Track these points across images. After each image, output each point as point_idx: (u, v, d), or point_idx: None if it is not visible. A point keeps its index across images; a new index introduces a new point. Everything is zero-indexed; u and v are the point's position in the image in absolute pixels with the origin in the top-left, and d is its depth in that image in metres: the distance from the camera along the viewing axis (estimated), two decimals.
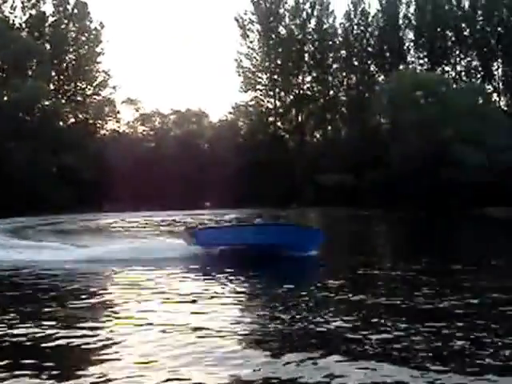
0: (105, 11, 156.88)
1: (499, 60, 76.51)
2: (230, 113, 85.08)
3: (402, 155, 56.88)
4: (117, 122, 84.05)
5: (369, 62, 79.82)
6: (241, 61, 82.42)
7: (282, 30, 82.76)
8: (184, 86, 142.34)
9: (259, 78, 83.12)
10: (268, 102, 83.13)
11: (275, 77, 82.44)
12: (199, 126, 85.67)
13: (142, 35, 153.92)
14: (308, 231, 18.74)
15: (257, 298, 11.43)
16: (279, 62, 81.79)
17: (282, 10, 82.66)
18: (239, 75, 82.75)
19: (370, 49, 79.85)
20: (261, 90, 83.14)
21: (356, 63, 80.00)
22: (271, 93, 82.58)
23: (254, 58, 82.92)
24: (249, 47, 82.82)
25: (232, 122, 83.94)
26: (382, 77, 76.19)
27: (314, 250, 17.00)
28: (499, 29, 75.22)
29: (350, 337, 8.09)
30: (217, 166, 71.97)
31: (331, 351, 7.31)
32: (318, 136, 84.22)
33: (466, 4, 77.21)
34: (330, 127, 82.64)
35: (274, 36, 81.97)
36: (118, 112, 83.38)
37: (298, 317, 9.32)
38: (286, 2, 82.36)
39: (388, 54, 78.00)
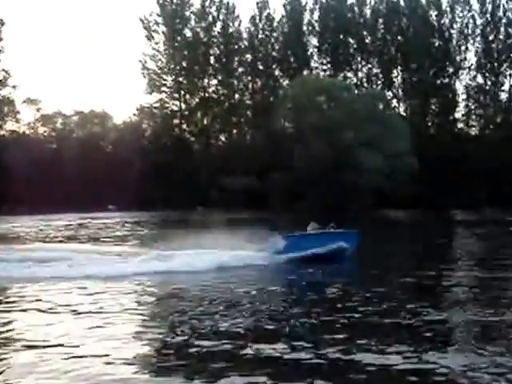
0: (4, 8, 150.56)
1: (399, 68, 79.19)
2: (135, 115, 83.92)
3: (305, 159, 57.74)
4: (16, 122, 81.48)
5: (273, 66, 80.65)
6: (145, 62, 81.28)
7: (188, 33, 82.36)
8: (87, 86, 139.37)
9: (164, 80, 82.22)
10: (173, 104, 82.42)
11: (180, 79, 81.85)
12: (103, 127, 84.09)
13: (42, 33, 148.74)
14: (357, 234, 19.72)
15: None
16: (185, 64, 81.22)
17: (187, 13, 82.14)
18: (144, 77, 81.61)
19: (274, 53, 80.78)
20: (166, 92, 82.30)
21: (261, 67, 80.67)
22: (176, 95, 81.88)
23: (159, 59, 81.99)
24: (154, 49, 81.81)
25: (136, 123, 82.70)
26: (287, 81, 77.18)
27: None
28: (399, 37, 77.96)
29: None
30: (120, 168, 70.59)
31: None
32: (223, 139, 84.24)
33: (368, 12, 79.58)
34: (235, 130, 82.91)
35: (179, 38, 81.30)
36: (18, 112, 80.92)
37: None
38: (192, 5, 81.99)
39: (292, 59, 79.05)
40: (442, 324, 9.59)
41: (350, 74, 79.35)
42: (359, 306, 11.00)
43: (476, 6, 79.87)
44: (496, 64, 79.73)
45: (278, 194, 60.85)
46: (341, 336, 8.66)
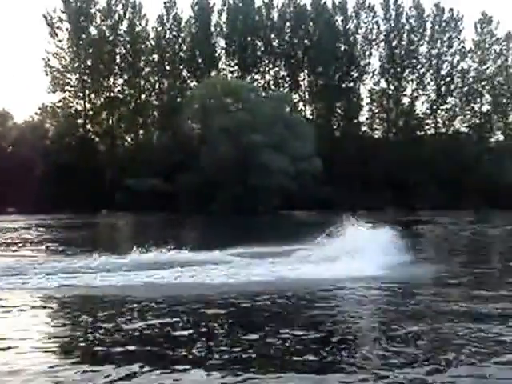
0: None
1: (305, 71, 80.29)
2: (37, 114, 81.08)
3: (213, 160, 57.52)
4: None
5: (181, 67, 79.92)
6: (49, 60, 78.64)
7: (93, 31, 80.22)
8: None
9: (68, 78, 79.67)
10: (77, 103, 79.96)
11: (85, 78, 79.59)
12: (3, 127, 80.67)
13: None
14: None
15: None
16: (89, 62, 79.11)
17: (93, 10, 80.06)
18: (47, 75, 78.87)
19: (182, 54, 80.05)
20: (70, 91, 79.71)
21: (168, 68, 79.68)
22: (81, 94, 79.55)
23: (63, 57, 79.34)
24: (57, 46, 79.14)
25: (38, 123, 79.86)
26: (194, 82, 76.68)
27: None
28: (306, 41, 79.02)
29: None
30: (21, 169, 67.97)
31: None
32: (129, 140, 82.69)
33: (275, 16, 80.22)
34: (141, 131, 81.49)
35: (84, 36, 79.20)
36: None
37: None
38: (97, 2, 79.93)
39: (200, 60, 78.55)
40: None
41: (257, 77, 79.80)
42: None
43: (380, 12, 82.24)
44: (399, 69, 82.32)
45: (187, 195, 60.29)
46: None
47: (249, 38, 78.03)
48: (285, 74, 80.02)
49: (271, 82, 79.76)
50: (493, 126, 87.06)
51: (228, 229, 39.04)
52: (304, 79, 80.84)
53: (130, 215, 55.09)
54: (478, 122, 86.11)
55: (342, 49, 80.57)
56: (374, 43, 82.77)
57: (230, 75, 78.03)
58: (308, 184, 57.80)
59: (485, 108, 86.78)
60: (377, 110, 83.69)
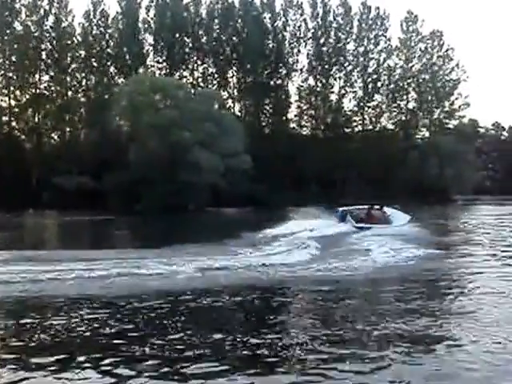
0: None
1: (234, 68, 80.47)
2: None
3: (141, 158, 57.08)
4: None
5: (108, 63, 78.67)
6: None
7: (18, 26, 78.21)
8: None
9: None
10: (2, 100, 77.85)
11: (10, 74, 77.51)
12: None
13: None
14: None
15: None
16: (14, 59, 77.04)
17: (18, 5, 77.92)
18: None
19: (109, 50, 78.81)
20: None
21: (95, 64, 78.29)
22: (5, 91, 77.27)
23: None
24: None
25: None
26: (122, 79, 75.70)
27: None
28: (234, 38, 79.20)
29: None
30: None
31: None
32: (55, 137, 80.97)
33: (204, 12, 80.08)
34: (68, 129, 79.88)
35: (8, 31, 77.12)
36: None
37: None
38: None
39: (128, 57, 77.52)
40: None
41: (185, 73, 79.43)
42: None
43: (308, 10, 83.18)
44: (326, 66, 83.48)
45: (116, 194, 59.61)
46: None
47: (177, 35, 77.56)
48: (213, 71, 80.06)
49: (200, 79, 79.64)
50: (418, 123, 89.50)
51: (151, 228, 38.86)
52: (233, 76, 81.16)
53: (55, 214, 53.94)
54: (404, 118, 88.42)
55: (271, 46, 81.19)
56: (301, 41, 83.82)
57: (158, 72, 77.45)
58: (238, 181, 58.08)
59: (411, 105, 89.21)
60: (305, 107, 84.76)
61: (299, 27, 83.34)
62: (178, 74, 77.27)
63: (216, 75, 79.87)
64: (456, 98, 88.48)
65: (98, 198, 60.70)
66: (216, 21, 79.30)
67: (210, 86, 77.15)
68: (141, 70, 75.10)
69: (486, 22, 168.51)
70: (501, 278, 14.35)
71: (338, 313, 10.60)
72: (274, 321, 9.99)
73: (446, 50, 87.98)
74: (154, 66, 79.00)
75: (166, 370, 7.29)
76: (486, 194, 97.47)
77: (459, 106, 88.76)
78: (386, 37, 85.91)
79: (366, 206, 31.91)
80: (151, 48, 79.25)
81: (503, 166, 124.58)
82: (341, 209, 32.06)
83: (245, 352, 7.99)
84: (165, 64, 78.47)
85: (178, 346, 8.21)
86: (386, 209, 32.06)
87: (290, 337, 8.73)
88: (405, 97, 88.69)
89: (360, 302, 11.98)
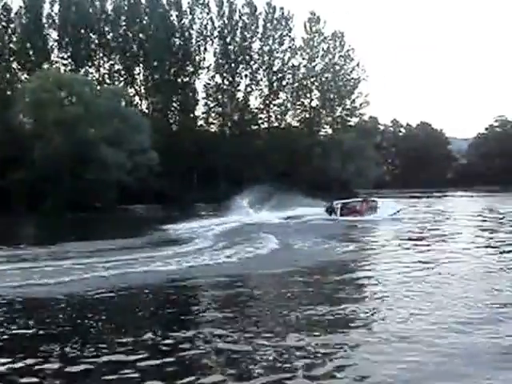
0: None
1: (141, 65, 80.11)
2: None
3: (47, 155, 56.20)
4: None
5: (11, 59, 76.52)
6: None
7: None
8: None
9: None
10: None
11: None
12: None
13: None
14: None
15: None
16: None
17: None
18: None
19: (12, 45, 76.64)
20: None
21: None
22: None
23: None
24: None
25: None
26: (25, 75, 73.97)
27: None
28: (141, 35, 78.88)
29: None
30: None
31: None
32: None
33: (110, 8, 79.30)
34: None
35: None
36: None
37: None
38: None
39: (31, 52, 75.66)
40: None
41: (91, 70, 78.23)
42: None
43: (214, 9, 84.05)
44: (233, 65, 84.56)
45: (20, 193, 58.37)
46: None
47: (82, 31, 76.36)
48: (120, 67, 79.33)
49: (106, 76, 78.72)
50: (321, 121, 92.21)
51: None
52: (139, 73, 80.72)
53: None
54: (307, 116, 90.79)
55: (177, 44, 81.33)
56: (208, 39, 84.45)
57: (63, 68, 75.89)
58: (145, 178, 58.30)
59: (314, 103, 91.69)
60: (212, 105, 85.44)
61: (206, 25, 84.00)
62: (83, 70, 75.98)
63: (123, 72, 79.24)
64: (357, 97, 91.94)
65: (1, 197, 59.32)
66: (123, 17, 78.64)
67: (116, 83, 76.37)
68: (45, 66, 73.49)
69: (385, 26, 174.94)
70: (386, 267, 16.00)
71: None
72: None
73: (347, 51, 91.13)
74: (58, 62, 77.24)
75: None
76: (385, 187, 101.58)
77: (360, 104, 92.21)
78: (290, 36, 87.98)
79: (360, 199, 38.96)
80: (56, 44, 77.61)
81: (401, 160, 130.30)
82: (335, 202, 37.68)
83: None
84: (70, 60, 76.86)
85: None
86: (379, 201, 38.85)
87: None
88: (308, 95, 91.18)
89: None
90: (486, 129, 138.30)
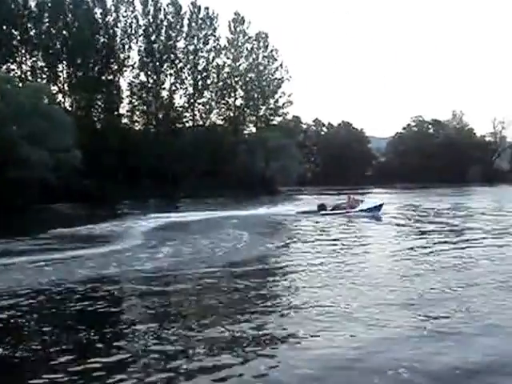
0: None
1: (64, 62, 79.27)
2: None
3: None
4: None
5: None
6: None
7: None
8: None
9: None
10: None
11: None
12: None
13: None
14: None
15: None
16: None
17: None
18: None
19: None
20: None
21: None
22: None
23: None
24: None
25: None
26: None
27: None
28: (64, 32, 78.10)
29: None
30: None
31: None
32: None
33: (33, 4, 78.14)
34: None
35: None
36: None
37: None
38: None
39: None
40: None
41: (13, 67, 76.78)
42: None
43: (139, 7, 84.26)
44: (157, 63, 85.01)
45: None
46: None
47: (4, 27, 75.12)
48: (43, 64, 78.30)
49: (28, 73, 77.45)
50: (245, 119, 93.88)
51: None
52: (63, 71, 79.94)
53: None
54: (232, 115, 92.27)
55: (102, 41, 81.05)
56: (133, 37, 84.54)
57: None
58: (68, 176, 58.13)
59: (238, 102, 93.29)
60: (137, 103, 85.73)
61: (131, 23, 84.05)
62: (5, 66, 74.79)
63: (46, 69, 78.28)
64: (280, 96, 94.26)
65: None
66: (46, 14, 77.66)
67: (39, 80, 75.31)
68: None
69: (307, 27, 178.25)
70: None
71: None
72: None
73: (271, 51, 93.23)
74: None
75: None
76: (308, 184, 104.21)
77: (283, 104, 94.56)
78: (215, 36, 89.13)
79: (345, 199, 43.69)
80: None
81: (323, 158, 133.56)
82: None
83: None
84: None
85: None
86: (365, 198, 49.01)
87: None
88: (233, 94, 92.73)
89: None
90: (404, 128, 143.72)
